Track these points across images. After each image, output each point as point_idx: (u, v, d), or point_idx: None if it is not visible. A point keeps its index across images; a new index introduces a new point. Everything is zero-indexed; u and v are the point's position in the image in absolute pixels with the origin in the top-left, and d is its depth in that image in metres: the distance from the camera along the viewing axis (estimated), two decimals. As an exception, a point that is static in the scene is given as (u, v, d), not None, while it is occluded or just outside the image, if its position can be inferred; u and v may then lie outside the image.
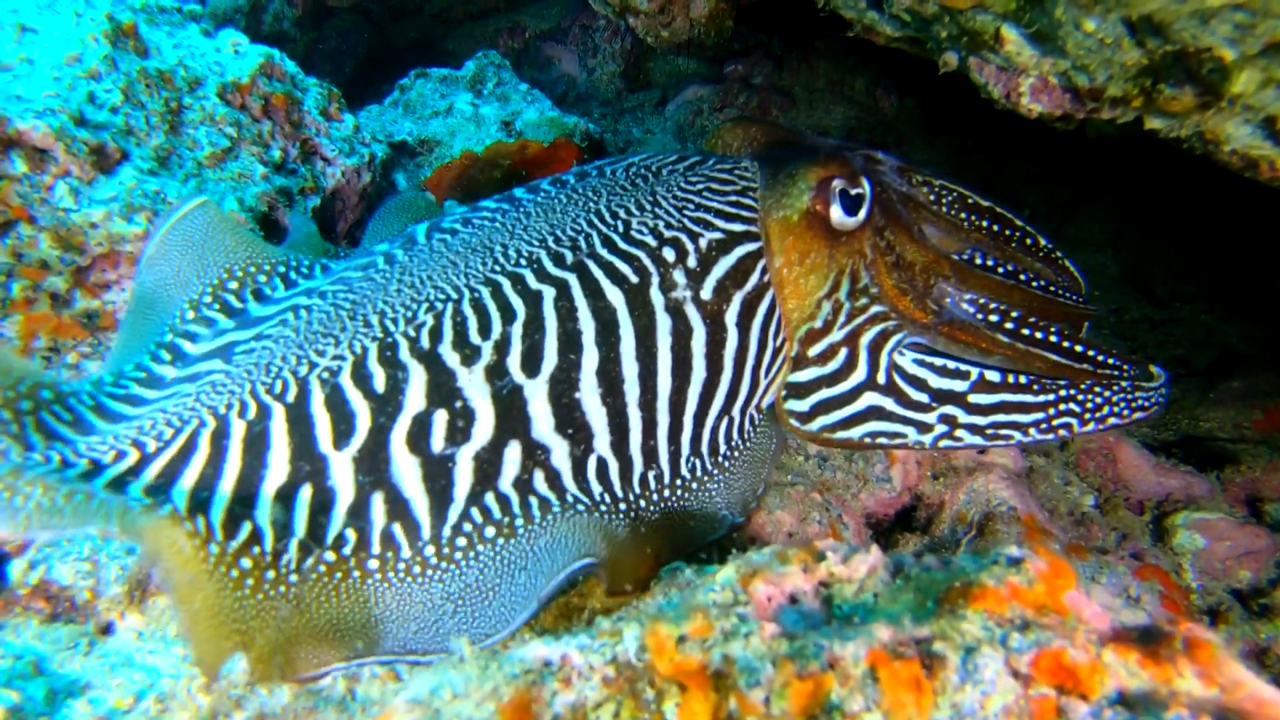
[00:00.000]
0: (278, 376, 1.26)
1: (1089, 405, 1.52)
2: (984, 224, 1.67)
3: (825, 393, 1.52)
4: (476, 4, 4.72)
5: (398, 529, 1.21)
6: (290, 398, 1.24)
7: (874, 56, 2.80)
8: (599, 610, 1.26)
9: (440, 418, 1.25)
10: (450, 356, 1.28)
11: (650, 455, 1.37)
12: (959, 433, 1.52)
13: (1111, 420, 1.53)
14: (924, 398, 1.52)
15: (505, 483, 1.26)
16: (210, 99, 2.07)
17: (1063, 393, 1.52)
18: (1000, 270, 1.63)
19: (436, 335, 1.29)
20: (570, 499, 1.29)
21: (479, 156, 2.79)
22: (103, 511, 1.05)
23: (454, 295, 1.34)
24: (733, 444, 1.47)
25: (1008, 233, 1.69)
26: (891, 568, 0.88)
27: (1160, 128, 1.63)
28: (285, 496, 1.20)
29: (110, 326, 1.73)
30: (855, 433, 1.53)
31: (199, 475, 1.19)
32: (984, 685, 0.71)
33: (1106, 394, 1.53)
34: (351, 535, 1.19)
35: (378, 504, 1.22)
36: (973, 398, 1.51)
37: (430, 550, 1.21)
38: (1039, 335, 1.54)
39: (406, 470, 1.23)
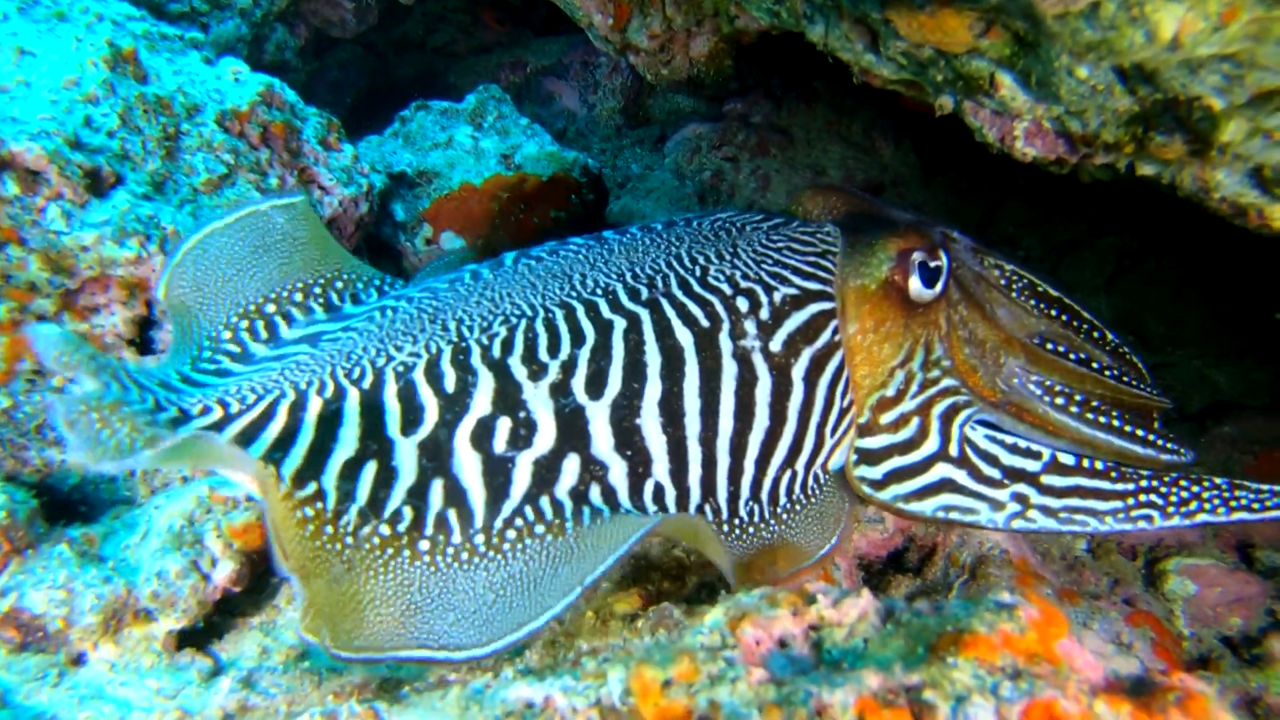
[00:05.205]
0: (357, 364, 1.35)
1: (1173, 499, 1.48)
2: (1053, 312, 1.68)
3: (898, 461, 1.51)
4: (479, 38, 4.77)
5: (452, 514, 1.25)
6: (366, 384, 1.32)
7: (872, 98, 2.83)
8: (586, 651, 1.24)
9: (504, 424, 1.31)
10: (518, 369, 1.35)
11: (708, 489, 1.40)
12: (1031, 513, 1.48)
13: (1202, 516, 1.47)
14: (996, 474, 1.50)
15: (561, 491, 1.30)
16: (208, 126, 2.08)
17: (1144, 483, 1.49)
18: (1072, 358, 1.63)
19: (508, 347, 1.37)
20: (623, 511, 1.31)
21: (478, 189, 2.80)
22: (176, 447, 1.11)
23: (529, 313, 1.41)
24: (794, 498, 1.47)
25: (1075, 323, 1.69)
26: (883, 612, 0.86)
27: (1152, 174, 1.65)
28: (351, 469, 1.26)
29: (99, 350, 1.72)
30: (928, 505, 1.49)
31: (274, 440, 1.26)
32: (975, 736, 0.69)
33: (1195, 489, 1.49)
34: (408, 513, 1.24)
35: (436, 489, 1.27)
36: (1046, 479, 1.50)
37: (480, 539, 1.24)
38: (1103, 420, 1.53)
39: (468, 464, 1.28)
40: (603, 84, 4.41)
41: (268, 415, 1.28)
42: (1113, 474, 1.50)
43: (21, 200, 1.66)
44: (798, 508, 1.47)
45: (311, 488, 1.22)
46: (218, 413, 1.27)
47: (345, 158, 2.40)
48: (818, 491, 1.50)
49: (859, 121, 3.77)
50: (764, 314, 1.46)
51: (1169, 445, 1.56)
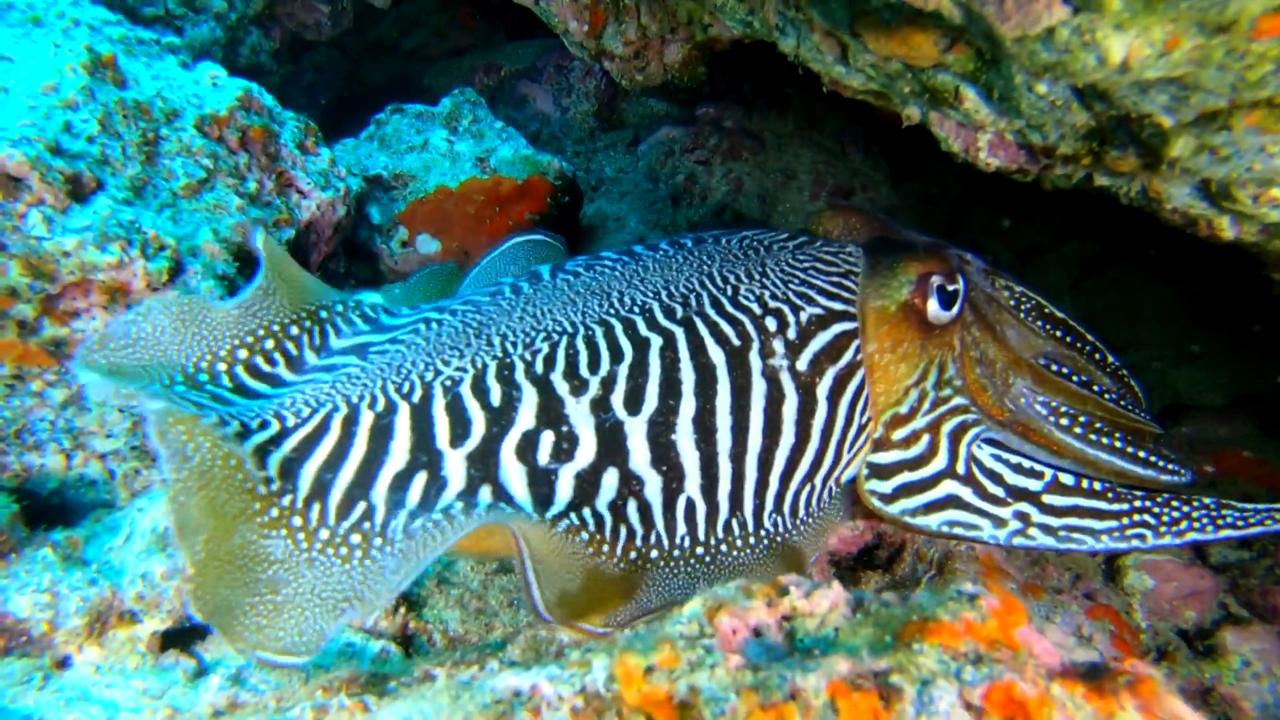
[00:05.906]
0: (406, 378, 1.39)
1: (1165, 518, 1.55)
2: (1058, 334, 1.74)
3: (907, 476, 1.57)
4: (453, 42, 4.78)
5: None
6: (416, 398, 1.36)
7: (842, 105, 2.89)
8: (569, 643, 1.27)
9: (547, 437, 1.36)
10: (560, 385, 1.39)
11: (736, 504, 1.44)
12: (1032, 531, 1.55)
13: (1191, 535, 1.55)
14: (1000, 492, 1.56)
15: (601, 504, 1.36)
16: (187, 130, 2.09)
17: (1138, 503, 1.56)
18: (1075, 379, 1.69)
19: (550, 363, 1.41)
20: (653, 539, 1.36)
21: (453, 192, 2.82)
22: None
23: (570, 330, 1.45)
24: (810, 510, 1.52)
25: (1079, 345, 1.75)
26: (852, 603, 0.91)
27: (1109, 185, 1.71)
28: (401, 480, 1.30)
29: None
30: (933, 520, 1.55)
31: (329, 454, 1.29)
32: (938, 717, 0.74)
33: (1186, 509, 1.56)
34: (459, 506, 1.29)
35: (485, 493, 1.32)
36: (1047, 498, 1.56)
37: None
38: (1105, 441, 1.59)
39: (514, 474, 1.34)
40: (576, 87, 4.44)
41: (322, 429, 1.31)
42: (1109, 494, 1.57)
43: (2, 206, 1.66)
44: (810, 520, 1.52)
45: (360, 508, 1.27)
46: (275, 427, 1.30)
47: (322, 161, 2.41)
48: (828, 504, 1.56)
49: (829, 128, 3.83)
50: (791, 334, 1.51)
51: (1169, 466, 1.62)
